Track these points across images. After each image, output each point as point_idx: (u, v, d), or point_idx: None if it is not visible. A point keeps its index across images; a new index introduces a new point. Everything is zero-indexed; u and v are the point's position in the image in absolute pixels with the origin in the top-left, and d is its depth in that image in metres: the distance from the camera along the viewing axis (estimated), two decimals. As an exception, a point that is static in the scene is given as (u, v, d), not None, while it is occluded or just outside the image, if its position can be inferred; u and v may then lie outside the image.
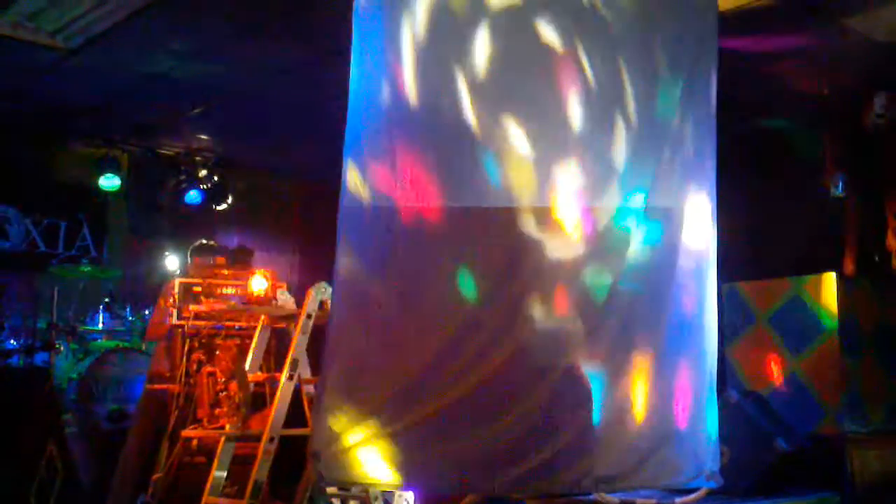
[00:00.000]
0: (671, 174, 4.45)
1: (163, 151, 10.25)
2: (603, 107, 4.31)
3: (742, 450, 4.78)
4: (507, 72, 4.23)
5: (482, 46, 4.21)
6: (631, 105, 4.35)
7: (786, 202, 7.79)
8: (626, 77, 4.35)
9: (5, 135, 9.06)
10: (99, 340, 8.65)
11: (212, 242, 7.32)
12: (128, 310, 8.95)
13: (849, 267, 6.75)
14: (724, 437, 4.45)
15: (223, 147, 10.17)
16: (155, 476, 5.99)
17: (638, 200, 4.33)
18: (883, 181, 7.18)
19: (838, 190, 7.13)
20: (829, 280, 5.58)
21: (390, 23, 4.24)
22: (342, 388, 4.10)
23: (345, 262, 4.17)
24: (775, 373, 5.63)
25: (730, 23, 4.68)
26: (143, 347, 8.16)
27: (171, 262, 9.22)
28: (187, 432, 5.82)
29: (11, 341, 8.30)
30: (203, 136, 9.81)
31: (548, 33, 4.27)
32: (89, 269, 9.24)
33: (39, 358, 8.02)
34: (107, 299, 8.97)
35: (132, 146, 10.04)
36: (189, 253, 7.15)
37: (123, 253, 10.20)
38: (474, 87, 4.18)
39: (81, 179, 9.84)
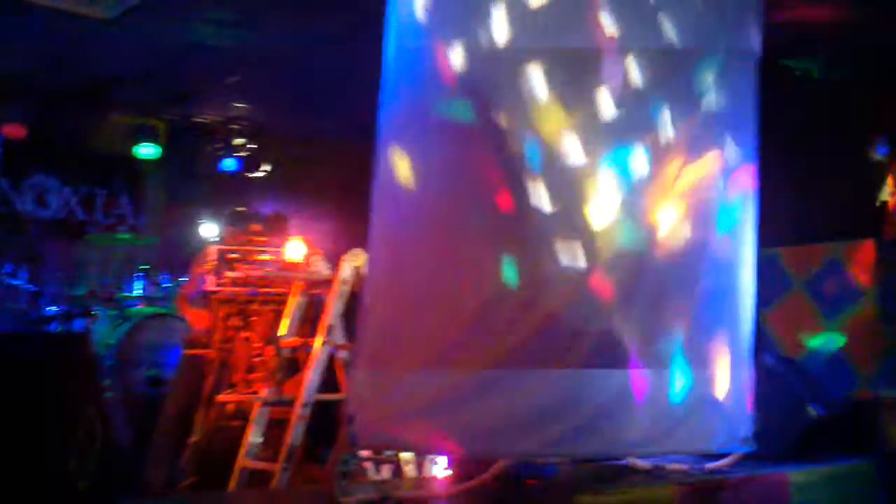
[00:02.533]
0: (707, 141, 4.39)
1: (199, 120, 10.31)
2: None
3: (776, 415, 4.74)
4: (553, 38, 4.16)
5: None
6: (672, 77, 4.28)
7: (827, 166, 7.70)
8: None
9: (44, 105, 9.15)
10: (136, 307, 8.74)
11: (244, 210, 7.35)
12: (165, 277, 9.04)
13: (889, 232, 6.66)
14: (759, 402, 4.41)
15: (259, 115, 10.22)
16: (191, 440, 6.08)
17: (674, 165, 4.28)
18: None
19: (880, 153, 7.03)
20: (868, 246, 5.51)
21: None
22: (376, 353, 4.12)
23: (380, 228, 4.17)
24: (811, 338, 5.58)
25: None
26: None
27: (208, 229, 9.30)
28: (223, 397, 5.89)
29: (51, 308, 8.42)
30: (239, 105, 9.85)
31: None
32: (127, 236, 9.35)
33: (78, 325, 8.14)
34: (144, 266, 9.07)
35: (169, 115, 10.11)
36: (224, 220, 7.20)
37: (160, 220, 10.31)
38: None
39: (119, 148, 9.94)
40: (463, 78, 4.14)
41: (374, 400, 4.09)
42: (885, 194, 7.05)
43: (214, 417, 5.98)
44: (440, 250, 4.12)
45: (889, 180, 7.13)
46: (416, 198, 4.15)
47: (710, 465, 4.44)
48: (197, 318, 6.64)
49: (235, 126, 10.32)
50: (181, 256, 9.35)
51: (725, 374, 4.34)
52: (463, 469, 4.40)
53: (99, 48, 7.74)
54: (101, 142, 9.99)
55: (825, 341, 5.53)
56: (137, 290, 8.92)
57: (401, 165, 4.15)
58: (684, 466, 4.43)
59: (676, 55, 4.31)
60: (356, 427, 4.07)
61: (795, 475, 4.51)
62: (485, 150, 4.14)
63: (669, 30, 4.30)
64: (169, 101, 9.70)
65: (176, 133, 10.30)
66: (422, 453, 5.21)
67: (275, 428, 5.65)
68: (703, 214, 4.35)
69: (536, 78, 4.11)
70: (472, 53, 4.14)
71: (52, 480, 3.53)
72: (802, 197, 7.57)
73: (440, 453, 4.96)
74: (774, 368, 5.07)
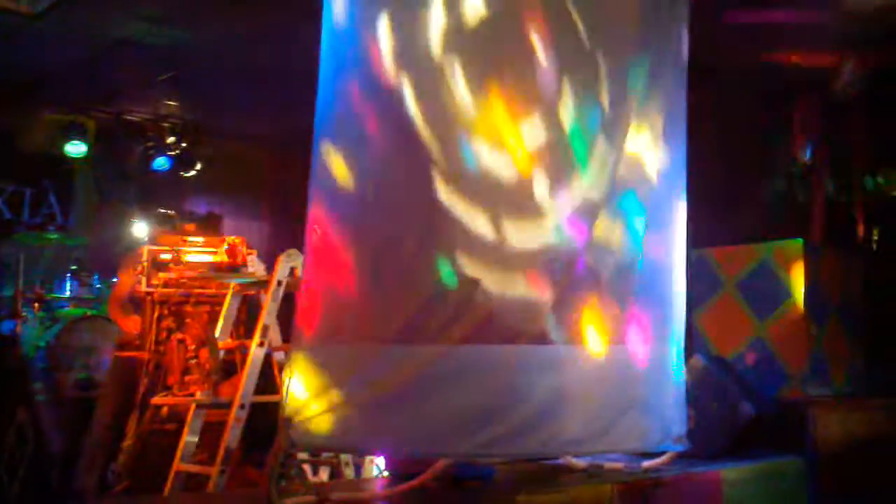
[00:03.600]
0: (639, 141, 4.46)
1: (130, 118, 10.14)
2: (577, 84, 4.29)
3: (709, 414, 4.84)
4: (488, 45, 4.18)
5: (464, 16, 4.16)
6: (605, 83, 4.34)
7: (755, 169, 7.85)
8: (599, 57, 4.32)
9: (-31, 102, 8.94)
10: (66, 308, 8.59)
11: (177, 210, 7.27)
12: (95, 277, 8.89)
13: (816, 234, 6.82)
14: (691, 401, 4.50)
15: (192, 113, 10.09)
16: (125, 444, 5.99)
17: (607, 173, 4.33)
18: (850, 148, 7.25)
19: (806, 157, 7.19)
20: (797, 246, 5.63)
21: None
22: (312, 354, 4.10)
23: (316, 230, 4.15)
24: (742, 338, 5.69)
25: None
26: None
27: (139, 229, 9.16)
28: (157, 399, 5.81)
29: (-22, 310, 8.24)
30: (171, 103, 9.72)
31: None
32: (56, 236, 9.18)
33: (6, 326, 7.97)
34: (74, 267, 8.91)
35: (99, 112, 9.93)
36: (156, 220, 7.11)
37: (90, 220, 10.12)
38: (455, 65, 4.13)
39: (47, 146, 9.73)
40: (398, 75, 4.14)
41: (310, 402, 4.07)
42: (810, 196, 7.23)
43: (148, 420, 5.91)
44: (377, 250, 4.12)
45: (815, 182, 7.31)
46: (352, 197, 4.14)
47: (646, 464, 4.51)
48: (129, 320, 6.55)
49: (167, 124, 10.17)
50: (112, 257, 9.21)
51: (659, 374, 4.41)
52: (401, 470, 4.40)
53: (25, 44, 7.57)
54: (29, 140, 9.77)
55: (755, 341, 5.65)
56: (67, 290, 8.76)
57: (336, 164, 4.13)
58: (620, 465, 4.50)
59: (608, 59, 4.37)
60: (293, 429, 4.04)
61: (727, 472, 4.60)
62: (420, 149, 4.16)
63: (599, 35, 4.36)
64: (98, 99, 9.53)
65: (106, 131, 10.11)
66: (360, 455, 5.21)
67: (210, 431, 5.60)
68: (636, 215, 4.42)
69: (471, 79, 4.14)
70: (407, 51, 4.15)
71: (-18, 486, 3.46)
72: (732, 198, 7.71)
73: (379, 455, 4.97)
74: (707, 368, 5.16)
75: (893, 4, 6.17)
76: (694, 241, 4.84)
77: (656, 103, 4.52)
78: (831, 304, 5.74)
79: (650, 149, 4.49)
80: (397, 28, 4.16)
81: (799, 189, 7.44)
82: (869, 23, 6.57)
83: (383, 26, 4.17)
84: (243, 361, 5.51)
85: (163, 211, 7.17)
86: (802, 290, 5.50)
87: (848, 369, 5.78)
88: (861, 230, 6.78)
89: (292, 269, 5.52)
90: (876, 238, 6.70)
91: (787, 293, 5.56)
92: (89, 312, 8.37)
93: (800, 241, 5.67)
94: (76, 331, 7.91)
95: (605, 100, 4.34)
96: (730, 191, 7.63)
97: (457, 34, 4.14)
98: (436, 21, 4.14)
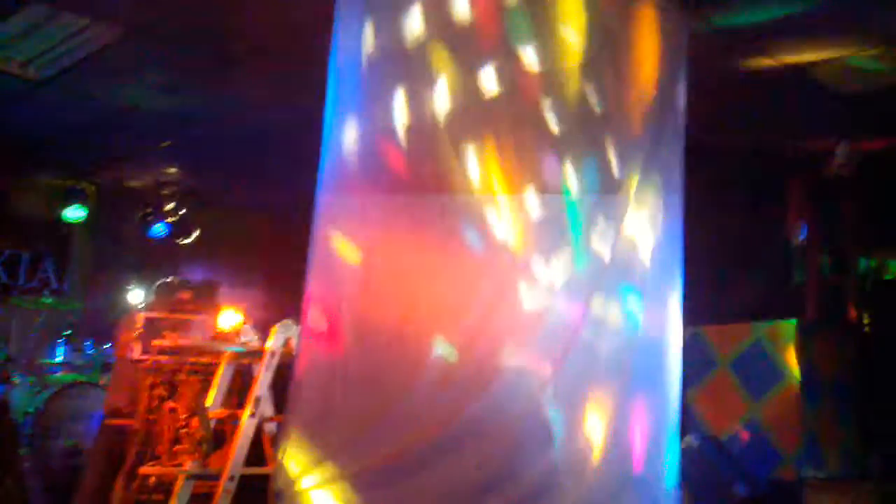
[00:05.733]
0: (637, 221, 4.50)
1: (130, 184, 10.19)
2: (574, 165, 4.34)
3: (702, 495, 4.81)
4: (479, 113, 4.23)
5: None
6: (610, 159, 4.39)
7: (750, 248, 7.88)
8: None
9: (-31, 165, 8.99)
10: (57, 374, 8.53)
11: (174, 277, 7.26)
12: (89, 343, 8.84)
13: (810, 314, 6.82)
14: (685, 482, 4.46)
15: (191, 180, 10.14)
16: (111, 513, 5.91)
17: (604, 246, 4.36)
18: (844, 230, 7.29)
19: (801, 237, 7.24)
20: (790, 327, 5.65)
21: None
22: (306, 428, 4.08)
23: (314, 305, 4.16)
24: (736, 417, 5.67)
25: (696, 68, 4.77)
26: (102, 382, 8.08)
27: (135, 295, 9.14)
28: (145, 469, 5.74)
29: (-32, 373, 8.17)
30: (171, 170, 9.77)
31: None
32: (50, 300, 9.16)
33: (-5, 391, 7.91)
34: (67, 332, 8.86)
35: (99, 178, 9.97)
36: (152, 287, 7.10)
37: (86, 285, 10.10)
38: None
39: (46, 211, 9.76)
40: (404, 153, 4.19)
41: (301, 475, 4.04)
42: (804, 276, 7.25)
43: (136, 490, 5.82)
44: (376, 328, 4.12)
45: (808, 263, 7.34)
46: (355, 273, 4.16)
47: (638, 545, 4.45)
48: (120, 387, 6.50)
49: (166, 191, 10.21)
50: (106, 323, 9.18)
51: (650, 454, 4.39)
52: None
53: (29, 109, 7.63)
54: (28, 204, 9.81)
55: (749, 421, 5.63)
56: (59, 356, 8.71)
57: (338, 240, 4.16)
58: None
59: (613, 137, 4.43)
60: (283, 502, 4.01)
61: (721, 554, 4.56)
62: (425, 227, 4.18)
63: (607, 113, 4.42)
64: (100, 165, 9.58)
65: (105, 196, 10.15)
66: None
67: (199, 502, 5.52)
68: (631, 293, 4.44)
69: (477, 152, 4.18)
70: (416, 129, 4.20)
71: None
72: (726, 277, 7.73)
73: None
74: (700, 447, 5.14)
75: (877, 90, 6.28)
76: (688, 318, 4.86)
77: (655, 182, 4.57)
78: (825, 384, 5.74)
79: (647, 227, 4.52)
80: (411, 100, 4.20)
81: (793, 269, 7.47)
82: (859, 107, 6.67)
83: (389, 107, 4.21)
84: (234, 432, 5.46)
85: (166, 277, 7.15)
86: (796, 370, 5.50)
87: (841, 450, 5.75)
88: (854, 311, 6.79)
89: (287, 340, 5.50)
90: (868, 320, 6.72)
91: (780, 373, 5.57)
92: (80, 379, 8.31)
93: (793, 321, 5.69)
94: (66, 397, 7.85)
95: (607, 176, 4.39)
96: (724, 270, 7.66)
97: (462, 109, 4.20)
98: (440, 101, 4.20)
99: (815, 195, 7.55)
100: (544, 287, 4.23)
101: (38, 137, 8.58)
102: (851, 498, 5.31)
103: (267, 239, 10.81)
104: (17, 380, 8.17)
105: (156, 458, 5.73)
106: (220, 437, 5.63)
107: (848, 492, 5.38)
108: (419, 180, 4.16)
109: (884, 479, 5.60)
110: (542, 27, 4.27)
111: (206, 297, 6.86)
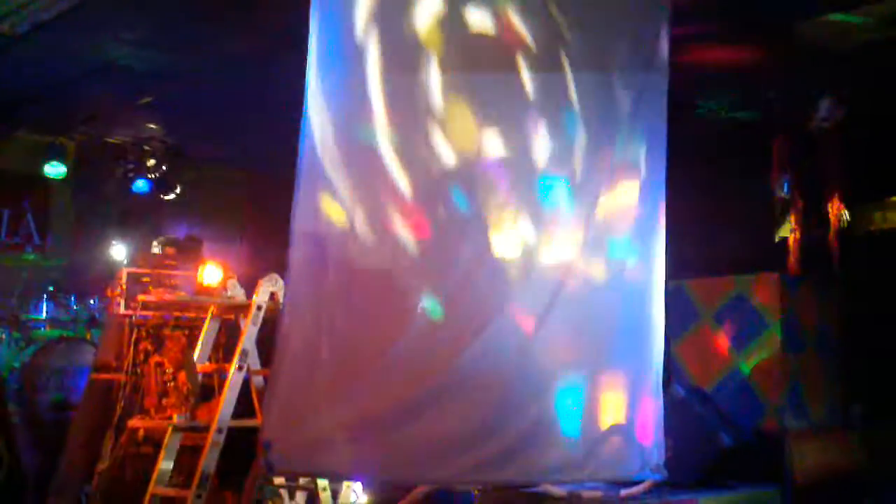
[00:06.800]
0: (622, 175, 4.51)
1: (110, 140, 10.09)
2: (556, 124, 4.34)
3: (687, 444, 4.86)
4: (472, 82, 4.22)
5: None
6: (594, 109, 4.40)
7: (733, 202, 7.90)
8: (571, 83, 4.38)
9: (-53, 122, 8.88)
10: (42, 329, 8.51)
11: (157, 233, 7.24)
12: (72, 299, 8.81)
13: (792, 266, 6.86)
14: (669, 431, 4.52)
15: (172, 136, 10.05)
16: (100, 466, 5.94)
17: (588, 201, 4.38)
18: (826, 183, 7.32)
19: (784, 191, 7.26)
20: (773, 279, 5.69)
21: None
22: (294, 379, 4.10)
23: (299, 257, 4.16)
24: (720, 369, 5.72)
25: (680, 22, 4.75)
26: (88, 337, 8.08)
27: (118, 251, 9.11)
28: (134, 422, 5.77)
29: (-48, 330, 8.15)
30: (152, 125, 9.67)
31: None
32: (33, 256, 9.10)
33: (-20, 348, 7.90)
34: (51, 288, 8.83)
35: (79, 134, 9.87)
36: (136, 243, 7.07)
37: (68, 241, 10.02)
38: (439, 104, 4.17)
39: (26, 167, 9.66)
40: (386, 110, 4.17)
41: (290, 426, 4.06)
42: (787, 230, 7.29)
43: (124, 443, 5.85)
44: (363, 282, 4.13)
45: (791, 217, 7.37)
46: (339, 228, 4.16)
47: (624, 492, 4.53)
48: (108, 342, 6.51)
49: (148, 147, 10.12)
50: (89, 279, 9.14)
51: (636, 404, 4.44)
52: (380, 495, 4.40)
53: (6, 66, 7.53)
54: (8, 160, 9.71)
55: (733, 372, 5.68)
56: (43, 312, 8.69)
57: (323, 197, 4.14)
58: (599, 493, 4.52)
59: (594, 93, 4.43)
60: (272, 453, 4.03)
61: (705, 502, 4.63)
62: (406, 184, 4.18)
63: (586, 68, 4.42)
64: (79, 121, 9.48)
65: (86, 153, 10.05)
66: (339, 480, 5.19)
67: (187, 454, 5.56)
68: (616, 247, 4.47)
69: (460, 110, 4.18)
70: (396, 84, 4.18)
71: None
72: (709, 230, 7.75)
73: (358, 480, 4.96)
74: (684, 398, 5.20)
75: (860, 46, 6.29)
76: (672, 272, 4.89)
77: (639, 137, 4.58)
78: (808, 335, 5.79)
79: (631, 182, 4.55)
80: (388, 64, 4.17)
81: (776, 223, 7.49)
82: (841, 63, 6.68)
83: (371, 61, 4.19)
84: (221, 385, 5.49)
85: (151, 233, 7.12)
86: (779, 321, 5.54)
87: (825, 400, 5.82)
88: (836, 264, 6.84)
89: (272, 294, 5.51)
90: (851, 271, 6.77)
91: (763, 325, 5.61)
92: (65, 334, 8.30)
93: (775, 273, 5.72)
94: (51, 352, 7.84)
95: (588, 131, 4.40)
96: (707, 224, 7.68)
97: (447, 62, 4.19)
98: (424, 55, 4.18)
99: (797, 150, 7.56)
100: (529, 242, 4.25)
101: (15, 94, 8.47)
102: (835, 446, 5.39)
103: (250, 194, 10.74)
104: (2, 335, 8.16)
105: (144, 411, 5.76)
106: (207, 390, 5.67)
107: (831, 441, 5.45)
108: (401, 141, 4.15)
109: (867, 428, 5.67)
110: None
111: (190, 253, 6.85)
